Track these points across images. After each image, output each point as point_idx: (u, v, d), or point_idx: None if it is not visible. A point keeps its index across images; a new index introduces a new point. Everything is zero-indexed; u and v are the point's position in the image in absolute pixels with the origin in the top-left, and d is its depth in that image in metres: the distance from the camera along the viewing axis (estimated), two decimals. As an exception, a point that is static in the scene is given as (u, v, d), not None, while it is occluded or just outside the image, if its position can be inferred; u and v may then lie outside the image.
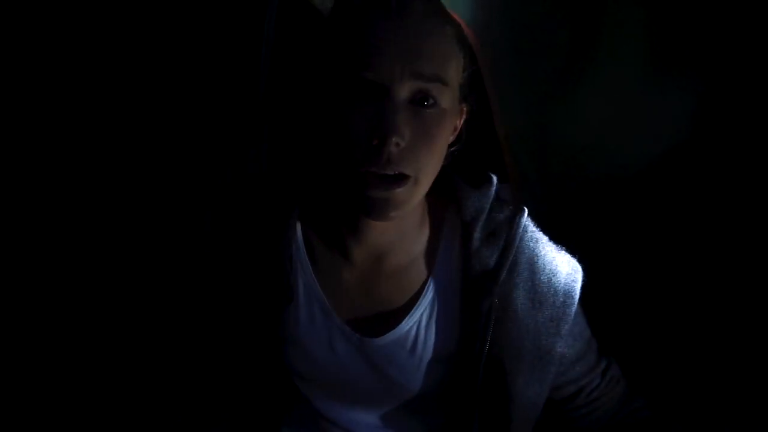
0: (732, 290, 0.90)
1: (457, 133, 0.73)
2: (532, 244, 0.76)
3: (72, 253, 1.26)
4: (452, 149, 0.72)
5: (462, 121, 0.73)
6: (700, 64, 0.85)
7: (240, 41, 1.33)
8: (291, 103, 1.21)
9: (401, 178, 0.63)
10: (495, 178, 0.79)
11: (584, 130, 1.07)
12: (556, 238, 0.80)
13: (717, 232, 0.90)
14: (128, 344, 1.13)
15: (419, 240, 0.76)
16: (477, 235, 0.74)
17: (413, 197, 0.66)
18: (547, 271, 0.75)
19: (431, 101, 0.64)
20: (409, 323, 0.75)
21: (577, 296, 0.76)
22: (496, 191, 0.78)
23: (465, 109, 0.73)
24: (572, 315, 0.76)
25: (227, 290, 0.76)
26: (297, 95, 0.77)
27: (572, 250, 0.80)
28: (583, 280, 0.77)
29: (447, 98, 0.65)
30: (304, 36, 1.24)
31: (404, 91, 0.62)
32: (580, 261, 0.79)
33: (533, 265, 0.75)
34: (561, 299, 0.75)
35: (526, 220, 0.76)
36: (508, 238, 0.74)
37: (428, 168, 0.66)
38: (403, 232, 0.74)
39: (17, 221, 1.23)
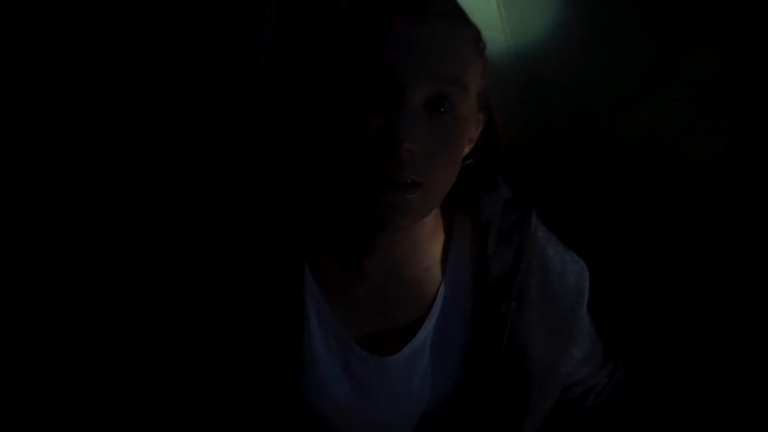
0: (735, 291, 0.90)
1: (473, 144, 0.70)
2: (543, 244, 0.75)
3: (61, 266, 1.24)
4: (467, 162, 0.69)
5: (479, 132, 0.70)
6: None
7: (239, 40, 1.32)
8: (295, 108, 1.18)
9: (412, 185, 0.60)
10: (501, 179, 0.77)
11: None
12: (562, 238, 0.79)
13: (723, 235, 0.90)
14: (127, 382, 1.06)
15: (433, 249, 0.74)
16: (492, 238, 0.72)
17: (425, 206, 0.63)
18: (558, 271, 0.74)
19: (448, 106, 0.60)
20: (424, 333, 0.72)
21: (586, 296, 0.75)
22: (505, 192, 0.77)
23: (482, 119, 0.70)
24: (582, 315, 0.75)
25: (233, 326, 0.70)
26: (302, 97, 0.73)
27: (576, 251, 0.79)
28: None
29: (464, 105, 0.62)
30: (311, 33, 1.21)
31: (420, 95, 0.59)
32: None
33: (545, 266, 0.74)
34: (571, 299, 0.74)
35: (536, 220, 0.75)
36: (521, 239, 0.72)
37: (441, 177, 0.63)
38: (417, 241, 0.71)
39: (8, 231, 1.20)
